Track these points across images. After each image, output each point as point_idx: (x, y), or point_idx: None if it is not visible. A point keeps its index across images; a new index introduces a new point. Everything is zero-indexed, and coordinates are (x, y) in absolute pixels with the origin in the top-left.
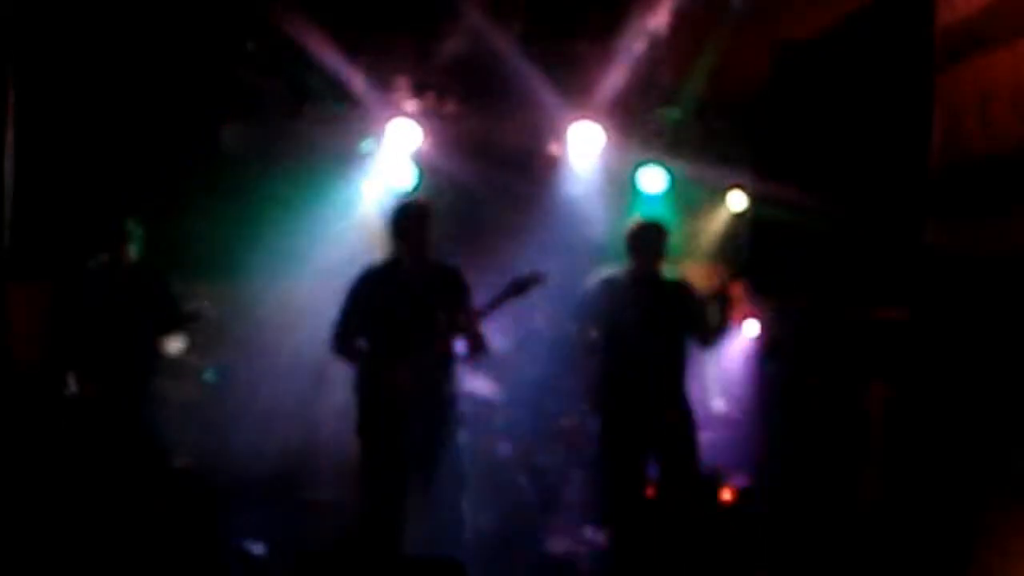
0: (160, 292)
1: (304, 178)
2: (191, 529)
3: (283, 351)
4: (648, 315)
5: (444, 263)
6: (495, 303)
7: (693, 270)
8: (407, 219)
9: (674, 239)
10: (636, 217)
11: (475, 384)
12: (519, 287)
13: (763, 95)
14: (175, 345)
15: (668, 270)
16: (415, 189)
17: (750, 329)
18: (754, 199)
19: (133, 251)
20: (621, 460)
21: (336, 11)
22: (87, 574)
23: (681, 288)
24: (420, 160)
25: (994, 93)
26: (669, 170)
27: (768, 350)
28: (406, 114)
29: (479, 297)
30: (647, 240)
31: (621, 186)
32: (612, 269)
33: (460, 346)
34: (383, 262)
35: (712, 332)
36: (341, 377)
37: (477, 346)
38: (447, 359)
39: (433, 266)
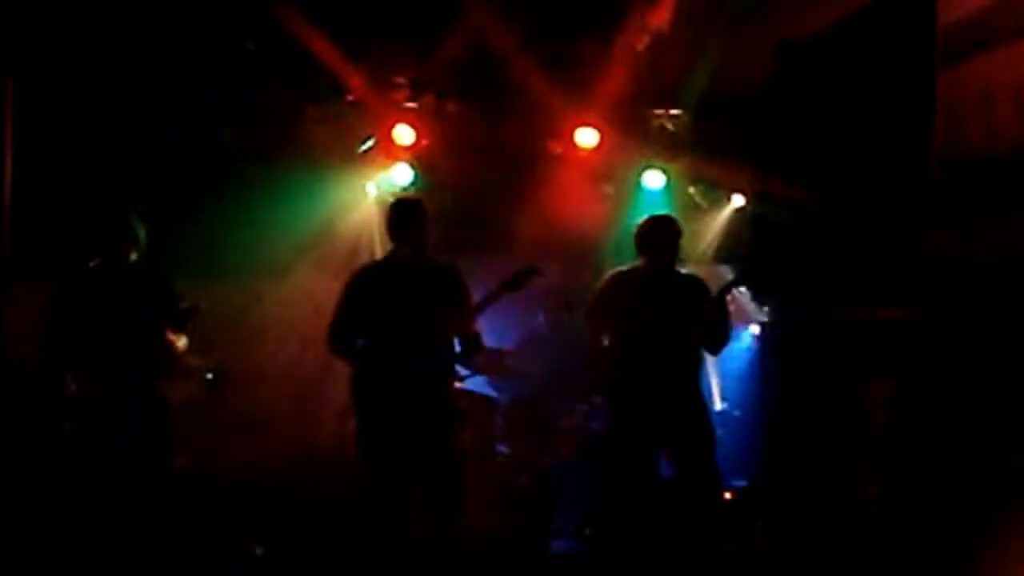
0: (161, 293)
1: (304, 178)
2: (191, 529)
3: (283, 351)
4: (662, 312)
5: (442, 262)
6: (491, 298)
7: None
8: (403, 218)
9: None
10: (648, 214)
11: (475, 383)
12: (514, 282)
13: (765, 94)
14: (177, 344)
15: (680, 267)
16: (413, 188)
17: (750, 329)
18: (755, 198)
19: (135, 251)
20: (630, 457)
21: (336, 11)
22: (87, 574)
23: (694, 285)
24: (419, 160)
25: (995, 93)
26: (669, 170)
27: (768, 350)
28: (406, 114)
29: (477, 296)
30: (659, 237)
31: (622, 186)
32: (625, 267)
33: (457, 345)
34: (381, 261)
35: (719, 337)
36: (341, 377)
37: (472, 345)
38: (445, 357)
39: (431, 265)
